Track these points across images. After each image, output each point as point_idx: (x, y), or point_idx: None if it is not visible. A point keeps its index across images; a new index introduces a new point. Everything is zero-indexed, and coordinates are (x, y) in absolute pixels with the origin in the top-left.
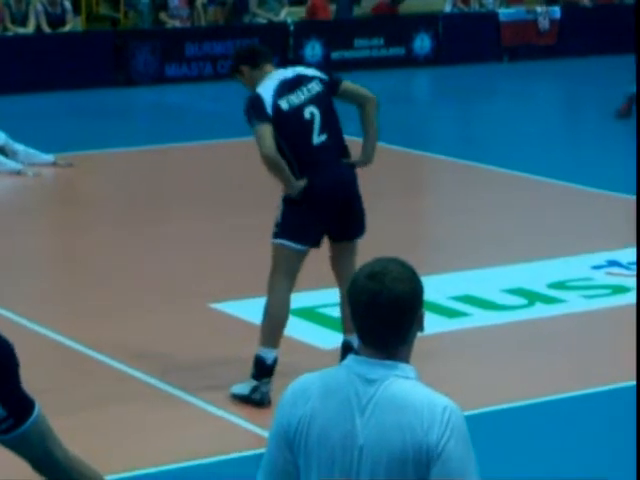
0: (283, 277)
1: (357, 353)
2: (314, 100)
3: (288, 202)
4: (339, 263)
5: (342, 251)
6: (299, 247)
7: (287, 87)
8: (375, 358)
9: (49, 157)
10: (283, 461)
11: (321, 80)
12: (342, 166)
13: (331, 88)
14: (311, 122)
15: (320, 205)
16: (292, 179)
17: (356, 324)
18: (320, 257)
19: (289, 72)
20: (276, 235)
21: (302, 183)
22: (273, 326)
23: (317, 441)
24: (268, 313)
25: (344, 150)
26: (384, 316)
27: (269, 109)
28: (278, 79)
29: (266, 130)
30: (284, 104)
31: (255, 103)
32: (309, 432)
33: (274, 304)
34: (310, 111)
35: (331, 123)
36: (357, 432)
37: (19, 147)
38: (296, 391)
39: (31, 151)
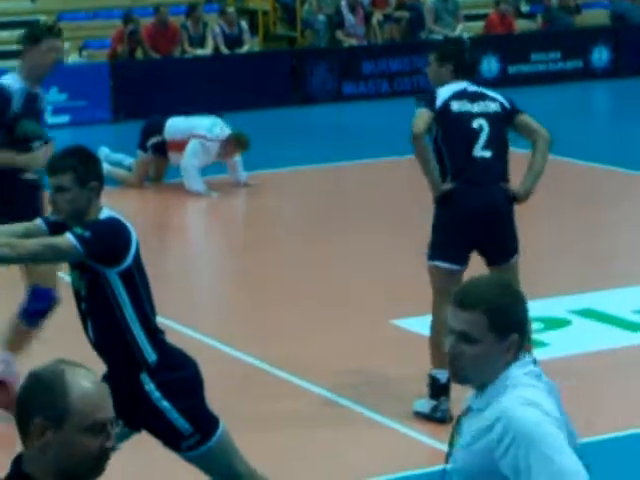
0: (441, 298)
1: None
2: (487, 116)
3: (437, 218)
4: None
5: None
6: (450, 266)
7: (466, 95)
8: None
9: (244, 176)
10: None
11: (502, 105)
12: (497, 190)
13: (509, 116)
14: (478, 133)
15: (466, 224)
16: (437, 179)
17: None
18: None
19: (473, 86)
20: (429, 257)
21: (448, 186)
22: (439, 347)
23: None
24: (433, 335)
25: (505, 175)
26: None
27: (438, 102)
28: (462, 86)
29: (424, 113)
30: (455, 105)
31: (428, 93)
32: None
33: (436, 325)
34: (480, 123)
35: (499, 145)
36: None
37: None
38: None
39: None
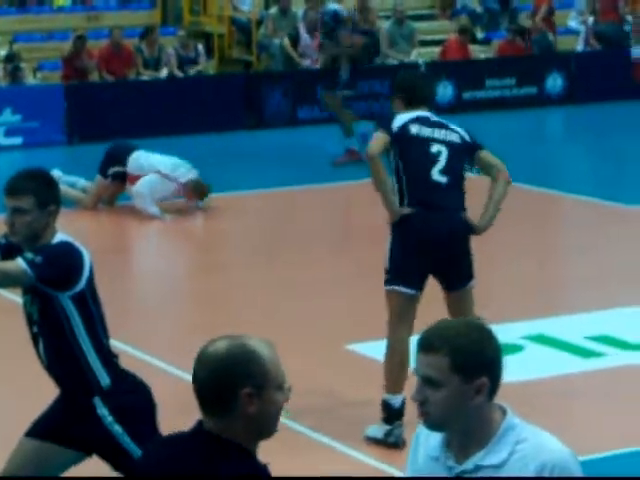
0: (399, 322)
1: None
2: (447, 144)
3: (395, 243)
4: (454, 312)
5: (455, 300)
6: (409, 291)
7: (425, 122)
8: None
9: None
10: None
11: (462, 138)
12: (457, 217)
13: (469, 150)
14: (436, 157)
15: (426, 249)
16: (394, 202)
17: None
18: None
19: (436, 117)
20: (386, 281)
21: (406, 211)
22: (394, 372)
23: None
24: (387, 359)
25: (463, 204)
26: None
27: (396, 125)
28: (424, 114)
29: (380, 136)
30: (414, 128)
31: (387, 117)
32: None
33: (393, 350)
34: (438, 148)
35: (456, 173)
36: None
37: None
38: None
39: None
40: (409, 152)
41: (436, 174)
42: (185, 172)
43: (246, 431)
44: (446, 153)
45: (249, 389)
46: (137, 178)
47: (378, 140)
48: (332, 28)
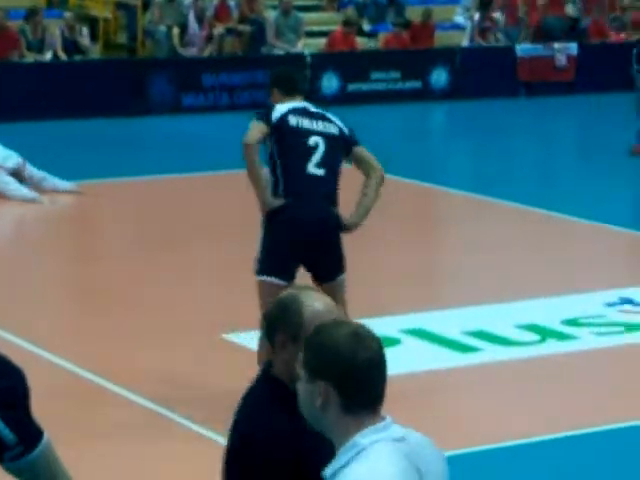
0: None
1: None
2: (325, 136)
3: (267, 233)
4: None
5: (326, 292)
6: (278, 282)
7: (305, 113)
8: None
9: (65, 184)
10: None
11: (341, 130)
12: (327, 208)
13: (347, 144)
14: (313, 150)
15: (296, 238)
16: (266, 193)
17: (370, 391)
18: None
19: (315, 108)
20: (257, 271)
21: (277, 202)
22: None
23: None
24: (261, 349)
25: (334, 197)
26: (385, 376)
27: (275, 115)
28: (302, 104)
29: (258, 126)
30: (293, 120)
31: (266, 109)
32: None
33: (262, 340)
34: (316, 140)
35: (333, 166)
36: None
37: (36, 173)
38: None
39: (48, 177)
40: (286, 143)
41: (312, 167)
42: (15, 159)
43: (285, 373)
44: (324, 146)
45: (283, 335)
46: None
47: (255, 129)
48: None
